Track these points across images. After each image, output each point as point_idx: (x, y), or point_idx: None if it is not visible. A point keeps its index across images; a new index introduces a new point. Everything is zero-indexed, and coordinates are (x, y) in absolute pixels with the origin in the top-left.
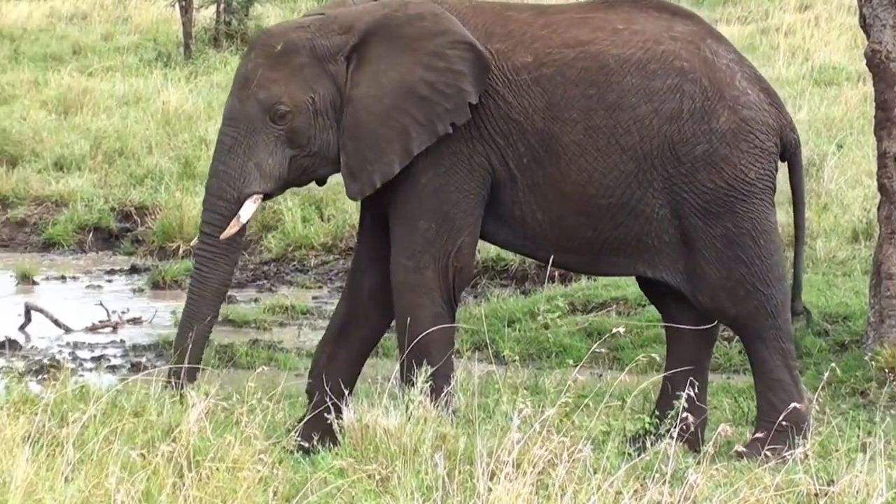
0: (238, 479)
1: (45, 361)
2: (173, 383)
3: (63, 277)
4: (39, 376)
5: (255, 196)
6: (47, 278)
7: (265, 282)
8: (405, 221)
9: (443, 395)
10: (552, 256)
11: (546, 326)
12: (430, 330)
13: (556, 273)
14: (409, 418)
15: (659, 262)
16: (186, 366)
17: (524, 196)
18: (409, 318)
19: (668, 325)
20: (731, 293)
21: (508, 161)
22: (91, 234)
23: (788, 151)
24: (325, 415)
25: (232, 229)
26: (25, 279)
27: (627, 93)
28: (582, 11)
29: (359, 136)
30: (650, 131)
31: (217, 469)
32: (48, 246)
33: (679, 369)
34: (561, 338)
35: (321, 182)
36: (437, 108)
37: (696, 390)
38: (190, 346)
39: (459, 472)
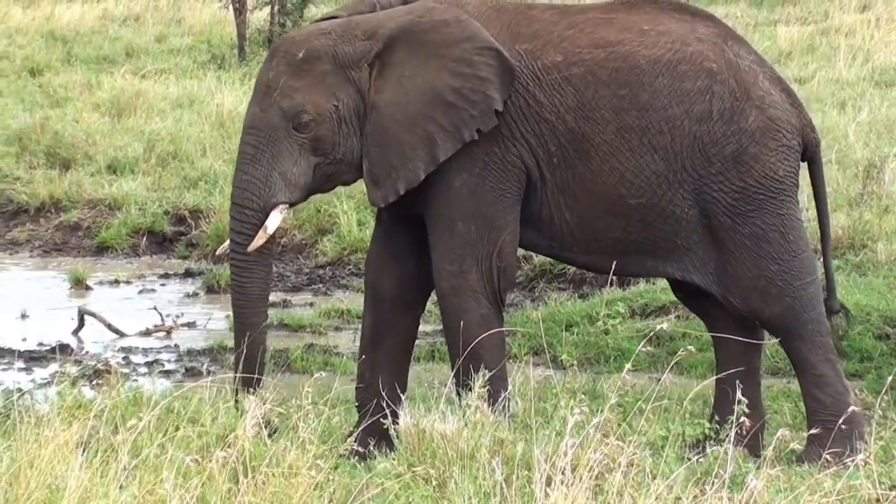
0: (294, 485)
1: (99, 366)
2: (236, 396)
3: (116, 282)
4: (93, 382)
5: (281, 206)
6: (100, 282)
7: (321, 286)
8: (444, 226)
9: (500, 398)
10: (577, 258)
11: (606, 332)
12: (481, 335)
13: (615, 277)
14: (467, 423)
15: (689, 263)
16: (247, 375)
17: (553, 196)
18: (457, 323)
19: (721, 335)
20: (763, 293)
21: (539, 161)
22: (145, 238)
23: (809, 150)
24: (381, 420)
25: (259, 241)
26: (78, 283)
27: (659, 94)
28: (604, 12)
29: (383, 142)
30: (681, 132)
31: (273, 475)
32: (101, 250)
33: (731, 371)
34: (619, 342)
35: (345, 185)
36: (463, 114)
37: (751, 393)
38: (245, 356)
39: (517, 477)
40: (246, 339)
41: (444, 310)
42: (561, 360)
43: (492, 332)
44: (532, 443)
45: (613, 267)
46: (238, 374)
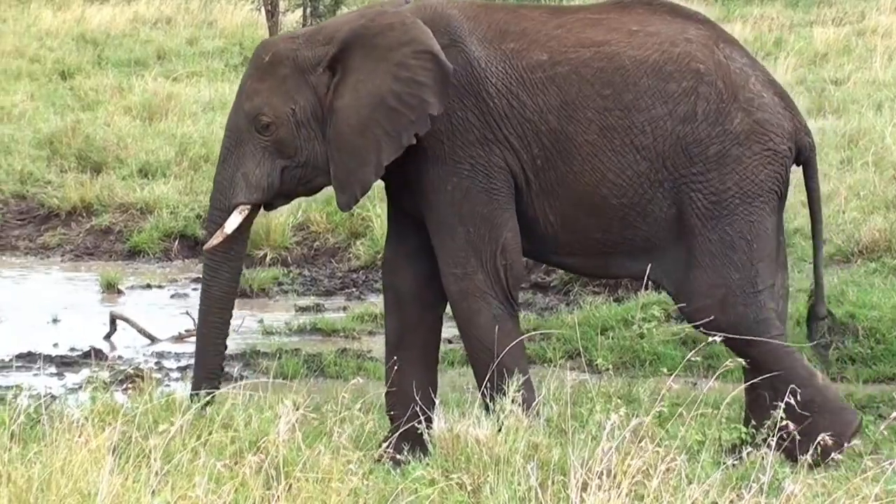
0: (328, 491)
1: (131, 371)
2: (193, 392)
3: (148, 286)
4: (125, 387)
5: (241, 206)
6: (132, 287)
7: (354, 290)
8: (444, 230)
9: (524, 400)
10: (564, 260)
11: (641, 336)
12: (495, 336)
13: (650, 281)
14: (501, 428)
15: (661, 263)
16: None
17: (538, 199)
18: (469, 327)
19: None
20: (722, 301)
21: (523, 164)
22: (177, 242)
23: (803, 155)
24: (416, 425)
25: (215, 240)
26: (110, 288)
27: (643, 94)
28: (595, 13)
29: (341, 147)
30: (664, 132)
31: (306, 480)
32: (133, 254)
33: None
34: (655, 346)
35: (319, 188)
36: (402, 118)
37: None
38: (203, 354)
39: (552, 482)
40: (205, 340)
41: (456, 314)
42: (596, 365)
43: (506, 332)
44: (568, 447)
45: (595, 269)
46: (195, 373)
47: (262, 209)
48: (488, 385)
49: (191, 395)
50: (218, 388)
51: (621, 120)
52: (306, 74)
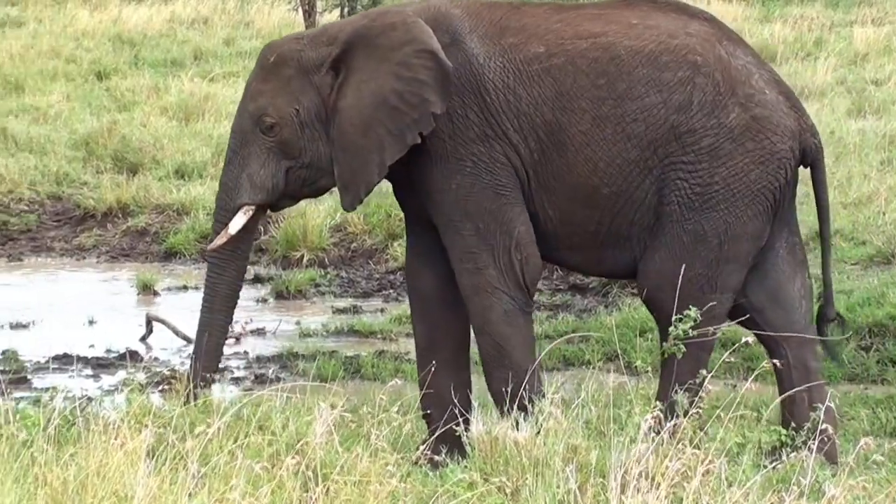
0: (366, 494)
1: (167, 373)
2: (189, 390)
3: (185, 287)
4: (160, 388)
5: (245, 207)
6: (168, 288)
7: (391, 291)
8: (453, 228)
9: (528, 397)
10: (564, 256)
11: (678, 338)
12: (507, 332)
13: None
14: (540, 430)
15: (639, 249)
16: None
17: (537, 195)
18: (481, 322)
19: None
20: (676, 289)
21: (523, 159)
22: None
23: (809, 156)
24: (454, 427)
25: (220, 240)
26: (146, 289)
27: (637, 83)
28: (599, 8)
29: (345, 147)
30: (657, 120)
31: (344, 483)
32: (169, 255)
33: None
34: None
35: (325, 189)
36: (405, 118)
37: (819, 396)
38: (203, 352)
39: (591, 485)
40: (206, 338)
41: (469, 310)
42: (635, 366)
43: (517, 328)
44: (607, 450)
45: (591, 265)
46: (193, 369)
47: (267, 210)
48: (500, 381)
49: (187, 396)
50: (210, 387)
51: (614, 109)
52: (310, 75)
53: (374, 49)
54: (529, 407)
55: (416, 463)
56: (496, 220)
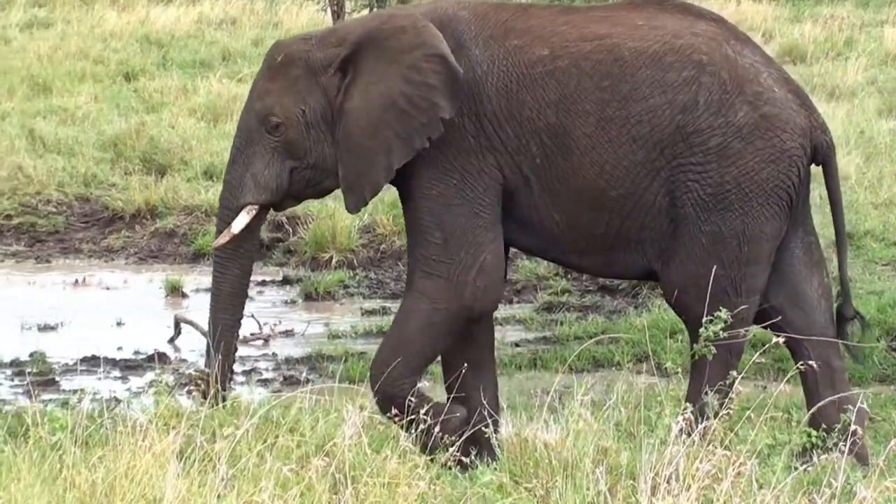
0: (395, 495)
1: (195, 375)
2: (202, 390)
3: None
4: (188, 390)
5: (248, 207)
6: (197, 290)
7: None
8: (422, 231)
9: (397, 402)
10: (572, 259)
11: (709, 339)
12: (418, 340)
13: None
14: (570, 432)
15: (653, 253)
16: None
17: (540, 199)
18: (404, 318)
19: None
20: (702, 292)
21: (522, 166)
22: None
23: (820, 154)
24: (483, 429)
25: (222, 239)
26: (175, 291)
27: (641, 84)
28: (606, 10)
29: (351, 148)
30: (662, 121)
31: (374, 485)
32: (198, 257)
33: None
34: None
35: (329, 191)
36: (413, 121)
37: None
38: (212, 352)
39: (621, 487)
40: (216, 337)
41: (403, 302)
42: (665, 368)
43: (433, 338)
44: (637, 452)
45: (601, 268)
46: (206, 369)
47: (270, 210)
48: (380, 372)
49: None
50: (227, 388)
51: (618, 111)
52: (317, 76)
53: (383, 51)
54: (388, 410)
55: (445, 465)
56: (466, 239)
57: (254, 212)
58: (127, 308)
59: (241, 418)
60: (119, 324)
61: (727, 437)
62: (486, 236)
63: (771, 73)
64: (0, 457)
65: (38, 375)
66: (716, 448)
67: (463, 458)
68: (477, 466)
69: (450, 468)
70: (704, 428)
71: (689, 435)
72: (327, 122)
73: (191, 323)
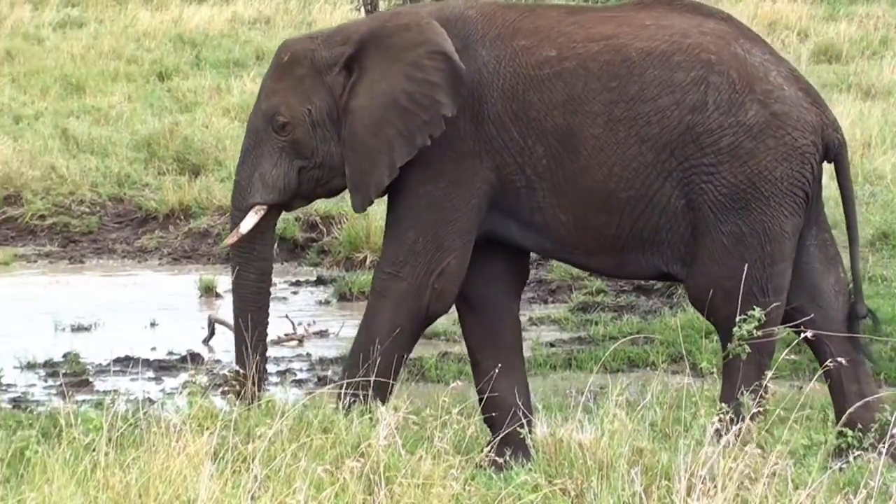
0: (430, 496)
1: (229, 375)
2: (236, 391)
3: None
4: (222, 390)
5: (257, 207)
6: (231, 290)
7: None
8: (396, 230)
9: (367, 404)
10: (582, 260)
11: (743, 338)
12: (386, 342)
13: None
14: (604, 432)
15: (671, 255)
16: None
17: (546, 200)
18: (368, 321)
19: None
20: (728, 293)
21: (525, 168)
22: (275, 245)
23: (832, 151)
24: (518, 429)
25: (230, 239)
26: (209, 291)
27: (649, 84)
28: (614, 11)
29: (355, 147)
30: (671, 121)
31: (408, 486)
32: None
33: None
34: None
35: (338, 191)
36: (415, 119)
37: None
38: (244, 356)
39: (657, 487)
40: (245, 339)
41: (368, 305)
42: (700, 368)
43: (398, 345)
44: (672, 452)
45: (613, 268)
46: (235, 368)
47: (282, 210)
48: (348, 377)
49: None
50: (260, 390)
51: (626, 111)
52: (323, 75)
53: (386, 49)
54: (358, 407)
55: (479, 465)
56: (436, 242)
57: (262, 212)
58: (160, 308)
59: (275, 419)
60: (153, 324)
61: (762, 437)
62: (456, 242)
63: (780, 70)
64: (34, 457)
65: (72, 376)
66: (751, 448)
67: (497, 459)
68: (511, 467)
69: (484, 469)
70: (739, 428)
71: (724, 435)
72: (333, 120)
73: (224, 323)
